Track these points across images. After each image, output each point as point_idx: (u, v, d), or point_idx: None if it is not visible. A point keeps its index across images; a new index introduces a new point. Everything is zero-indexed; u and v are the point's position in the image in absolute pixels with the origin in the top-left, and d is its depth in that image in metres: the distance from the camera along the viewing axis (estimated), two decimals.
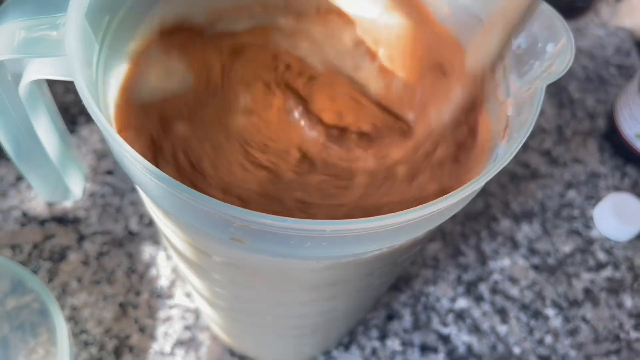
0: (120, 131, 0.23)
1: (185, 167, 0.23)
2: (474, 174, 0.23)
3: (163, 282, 0.41)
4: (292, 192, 0.23)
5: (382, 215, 0.16)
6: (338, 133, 0.26)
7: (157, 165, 0.22)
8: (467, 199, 0.19)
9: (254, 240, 0.17)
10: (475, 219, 0.45)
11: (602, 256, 0.45)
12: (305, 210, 0.22)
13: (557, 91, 0.53)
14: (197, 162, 0.24)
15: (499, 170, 0.17)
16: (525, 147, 0.50)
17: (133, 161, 0.17)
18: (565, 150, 0.50)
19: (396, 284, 0.42)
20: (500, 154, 0.21)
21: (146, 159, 0.17)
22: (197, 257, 0.23)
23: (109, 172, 0.45)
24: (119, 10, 0.23)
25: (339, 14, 0.30)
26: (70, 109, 0.47)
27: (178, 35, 0.27)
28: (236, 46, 0.28)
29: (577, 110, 0.52)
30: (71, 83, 0.19)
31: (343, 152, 0.25)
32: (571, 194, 0.47)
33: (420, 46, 0.28)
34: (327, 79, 0.29)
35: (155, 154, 0.23)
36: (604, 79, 0.54)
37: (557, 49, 0.21)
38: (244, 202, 0.22)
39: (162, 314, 0.39)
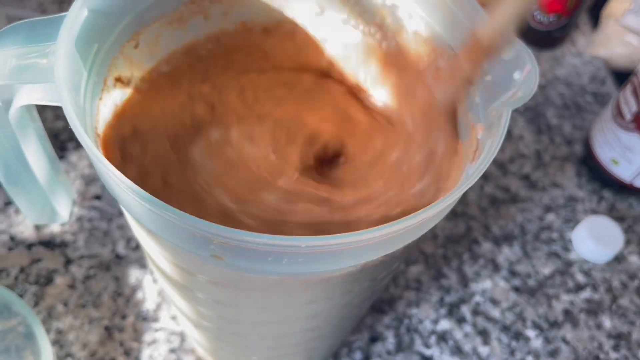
0: (106, 152, 0.24)
1: (167, 186, 0.24)
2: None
3: (149, 305, 0.41)
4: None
5: (354, 232, 0.16)
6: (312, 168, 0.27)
7: (140, 185, 0.23)
8: (433, 219, 0.20)
9: (232, 257, 0.18)
10: (457, 242, 0.46)
11: (581, 278, 0.45)
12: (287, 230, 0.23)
13: (535, 117, 0.55)
14: (180, 182, 0.24)
15: (461, 193, 0.18)
16: (505, 171, 0.51)
17: (116, 180, 0.18)
18: (544, 175, 0.51)
19: (379, 306, 0.42)
20: (469, 174, 0.22)
21: (129, 179, 0.18)
22: (181, 277, 0.24)
23: (97, 197, 0.45)
24: (107, 39, 0.24)
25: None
26: (59, 135, 0.48)
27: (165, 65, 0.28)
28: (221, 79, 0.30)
29: (555, 136, 0.54)
30: (61, 110, 0.20)
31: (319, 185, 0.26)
32: (550, 217, 0.49)
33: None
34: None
35: (140, 175, 0.24)
36: (580, 106, 0.56)
37: (522, 76, 0.22)
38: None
39: (147, 337, 0.39)
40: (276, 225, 0.23)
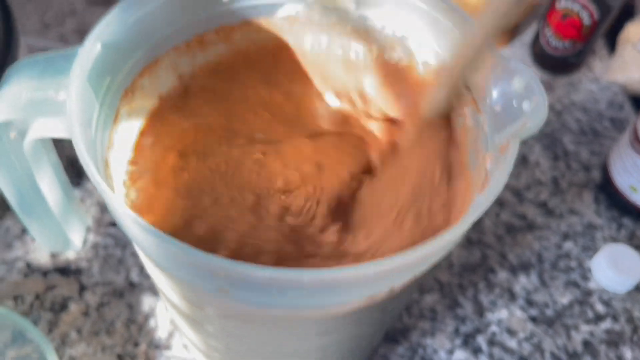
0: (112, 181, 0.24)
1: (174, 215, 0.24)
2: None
3: (161, 333, 0.41)
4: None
5: (357, 264, 0.16)
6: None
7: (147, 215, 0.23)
8: (435, 254, 0.19)
9: (238, 290, 0.18)
10: (473, 271, 0.46)
11: (600, 308, 0.44)
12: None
13: (551, 143, 0.54)
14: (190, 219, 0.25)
15: (467, 228, 0.18)
16: (522, 198, 0.50)
17: (123, 215, 0.18)
18: (561, 202, 0.50)
19: (393, 335, 0.42)
20: (476, 206, 0.22)
21: (136, 213, 0.18)
22: (190, 310, 0.24)
23: (112, 224, 0.46)
24: (119, 72, 0.25)
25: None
26: (76, 162, 0.48)
27: (177, 95, 0.29)
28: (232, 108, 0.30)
29: (572, 162, 0.53)
30: None
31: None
32: (568, 245, 0.48)
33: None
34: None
35: (147, 206, 0.24)
36: (598, 132, 0.56)
37: (531, 106, 0.22)
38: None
39: None
40: (287, 260, 0.23)
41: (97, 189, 0.18)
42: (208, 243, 0.24)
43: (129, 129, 0.26)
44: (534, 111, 0.22)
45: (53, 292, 0.42)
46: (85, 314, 0.41)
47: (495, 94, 0.23)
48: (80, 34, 0.58)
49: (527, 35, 0.62)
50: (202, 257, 0.16)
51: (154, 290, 0.42)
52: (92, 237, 0.45)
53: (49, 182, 0.26)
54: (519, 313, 0.44)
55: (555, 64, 0.60)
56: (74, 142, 0.19)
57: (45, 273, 0.43)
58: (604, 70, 0.61)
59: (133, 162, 0.26)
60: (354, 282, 0.17)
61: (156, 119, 0.27)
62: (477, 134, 0.24)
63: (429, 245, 0.17)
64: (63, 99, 0.21)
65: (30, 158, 0.24)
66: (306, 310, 0.20)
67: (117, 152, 0.25)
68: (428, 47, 0.27)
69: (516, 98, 0.22)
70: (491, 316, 0.43)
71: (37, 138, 0.23)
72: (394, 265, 0.16)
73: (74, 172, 0.48)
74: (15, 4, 0.58)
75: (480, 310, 0.44)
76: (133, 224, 0.17)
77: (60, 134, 0.22)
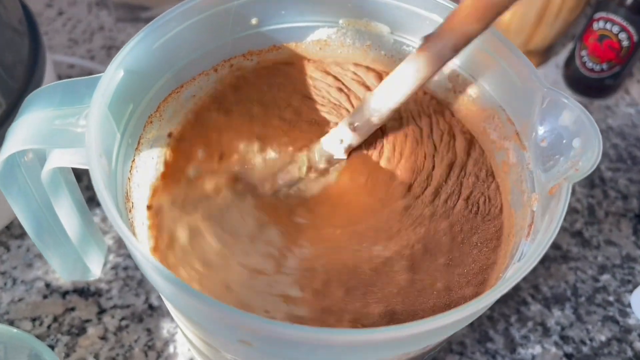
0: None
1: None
2: (498, 270, 0.22)
3: None
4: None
5: (395, 325, 0.15)
6: None
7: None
8: (483, 309, 0.18)
9: (263, 345, 0.17)
10: (504, 302, 0.43)
11: None
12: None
13: (576, 181, 0.52)
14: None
15: (517, 281, 0.16)
16: None
17: (137, 255, 0.16)
18: (598, 232, 0.48)
19: None
20: (526, 252, 0.20)
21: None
22: (207, 350, 0.22)
23: None
24: (143, 99, 0.24)
25: None
26: None
27: (203, 121, 0.28)
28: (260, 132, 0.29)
29: (609, 190, 0.51)
30: None
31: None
32: (605, 278, 0.45)
33: None
34: None
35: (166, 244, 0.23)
36: (636, 158, 0.53)
37: (582, 144, 0.20)
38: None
39: None
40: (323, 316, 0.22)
41: (116, 230, 0.17)
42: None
43: (151, 158, 0.25)
44: (586, 149, 0.20)
45: (71, 314, 0.41)
46: (103, 338, 0.40)
47: (541, 129, 0.21)
48: (108, 51, 0.57)
49: (560, 57, 0.60)
50: (224, 310, 0.15)
51: None
52: (112, 258, 0.44)
53: (67, 211, 0.25)
54: (553, 349, 0.41)
55: (590, 87, 0.57)
56: (91, 176, 0.18)
57: (64, 294, 0.42)
58: None
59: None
60: (393, 342, 0.16)
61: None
62: (521, 171, 0.23)
63: (480, 301, 0.15)
64: (83, 129, 0.20)
65: (48, 187, 0.23)
66: None
67: (140, 181, 0.24)
68: (467, 75, 0.25)
69: (565, 134, 0.21)
70: (524, 352, 0.41)
71: (55, 167, 0.22)
72: (435, 326, 0.15)
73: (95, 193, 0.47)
74: (43, 20, 0.59)
75: (511, 346, 0.41)
76: (147, 266, 0.16)
77: (80, 165, 0.21)
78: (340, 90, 0.29)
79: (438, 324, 0.15)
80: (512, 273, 0.17)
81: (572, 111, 0.20)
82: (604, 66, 0.55)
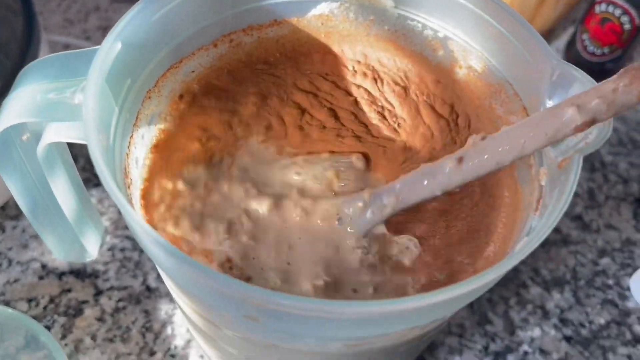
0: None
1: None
2: (508, 246, 0.21)
3: (178, 341, 0.39)
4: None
5: (402, 298, 0.14)
6: None
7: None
8: (490, 283, 0.17)
9: (270, 320, 0.16)
10: (504, 285, 0.43)
11: (639, 329, 0.42)
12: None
13: (587, 154, 0.52)
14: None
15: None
16: None
17: (138, 229, 0.16)
18: (598, 216, 0.48)
19: (419, 353, 0.40)
20: (534, 227, 0.20)
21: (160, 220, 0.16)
22: (207, 328, 0.22)
23: None
24: (141, 73, 0.23)
25: None
26: None
27: (202, 97, 0.27)
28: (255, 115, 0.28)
29: (609, 174, 0.51)
30: None
31: None
32: (605, 261, 0.45)
33: None
34: None
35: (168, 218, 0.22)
36: (637, 142, 0.53)
37: None
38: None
39: None
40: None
41: (114, 202, 0.17)
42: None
43: (150, 134, 0.24)
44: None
45: (68, 295, 0.41)
46: (100, 319, 0.40)
47: (550, 103, 0.21)
48: (104, 31, 0.56)
49: (561, 41, 0.60)
50: (231, 283, 0.15)
51: (171, 297, 0.41)
52: (109, 240, 0.43)
53: (63, 189, 0.24)
54: (552, 332, 0.41)
55: (591, 71, 0.57)
56: (90, 150, 0.18)
57: (60, 275, 0.42)
58: None
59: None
60: (404, 314, 0.15)
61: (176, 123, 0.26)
62: None
63: (488, 274, 0.15)
64: (79, 102, 0.19)
65: (43, 163, 0.23)
66: (340, 343, 0.18)
67: (138, 157, 0.24)
68: (473, 50, 0.25)
69: None
70: (523, 334, 0.41)
71: (51, 142, 0.21)
72: (446, 297, 0.15)
73: (93, 172, 0.47)
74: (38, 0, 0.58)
75: (511, 328, 0.41)
76: (153, 244, 0.16)
77: (76, 139, 0.20)
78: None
79: (453, 293, 0.14)
80: (522, 245, 0.17)
81: (583, 84, 0.20)
82: (605, 50, 0.54)
